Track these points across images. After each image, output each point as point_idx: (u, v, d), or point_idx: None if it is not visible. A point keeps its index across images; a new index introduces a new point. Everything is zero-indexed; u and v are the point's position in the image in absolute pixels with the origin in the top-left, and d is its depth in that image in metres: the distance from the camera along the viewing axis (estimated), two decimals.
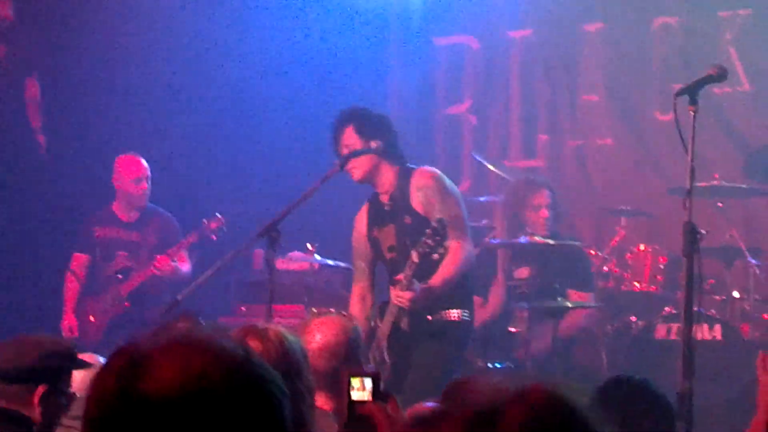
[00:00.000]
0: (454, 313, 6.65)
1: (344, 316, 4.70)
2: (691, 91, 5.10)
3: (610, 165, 9.65)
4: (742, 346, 7.58)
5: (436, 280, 6.46)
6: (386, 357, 6.69)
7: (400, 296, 6.45)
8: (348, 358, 4.54)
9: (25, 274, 9.23)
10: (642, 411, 3.67)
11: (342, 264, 8.12)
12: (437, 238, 6.30)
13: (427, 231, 6.31)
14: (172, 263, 8.64)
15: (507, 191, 8.48)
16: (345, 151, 6.67)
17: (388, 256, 6.82)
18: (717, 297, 8.02)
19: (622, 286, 8.30)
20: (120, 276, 8.78)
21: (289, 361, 3.27)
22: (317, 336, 4.51)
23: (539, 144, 10.01)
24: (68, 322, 8.77)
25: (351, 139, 6.70)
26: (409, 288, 6.38)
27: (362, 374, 3.10)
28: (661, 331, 7.83)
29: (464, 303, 6.70)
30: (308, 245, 8.33)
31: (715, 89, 8.19)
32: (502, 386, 1.62)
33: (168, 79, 9.75)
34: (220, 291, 8.93)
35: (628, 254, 8.31)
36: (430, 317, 6.58)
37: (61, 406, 3.79)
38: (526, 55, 10.06)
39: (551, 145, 9.95)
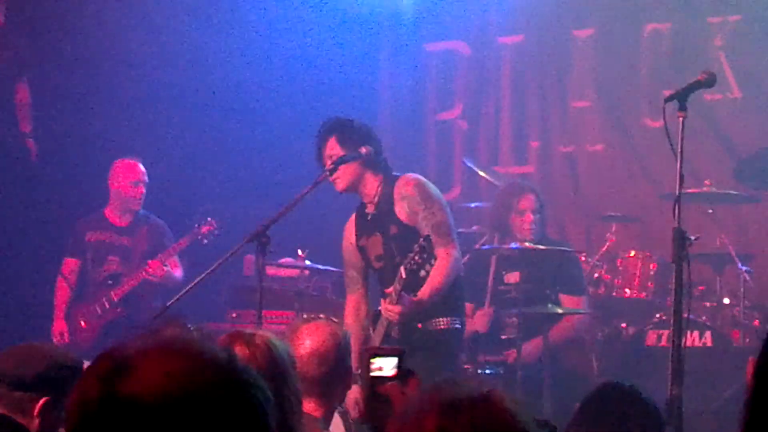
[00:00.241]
0: (443, 322, 6.63)
1: (334, 321, 4.68)
2: (681, 97, 5.11)
3: (600, 171, 9.66)
4: (732, 352, 7.59)
5: (425, 292, 6.44)
6: None
7: (389, 310, 6.44)
8: (337, 363, 4.53)
9: (15, 279, 9.21)
10: (631, 417, 3.67)
11: (333, 269, 8.11)
12: (424, 255, 6.29)
13: (415, 248, 6.28)
14: (164, 268, 8.65)
15: (495, 198, 8.48)
16: (328, 162, 6.65)
17: (377, 265, 6.81)
18: (707, 303, 8.02)
19: (613, 293, 8.29)
20: (110, 281, 8.78)
21: (275, 367, 3.27)
22: (306, 342, 4.50)
23: (530, 150, 10.01)
24: (59, 328, 8.76)
25: (334, 149, 6.68)
26: (398, 302, 6.38)
27: (384, 353, 3.08)
28: (651, 338, 7.83)
29: (454, 311, 6.69)
30: (299, 251, 8.32)
31: (706, 95, 8.21)
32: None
33: (159, 84, 9.74)
34: (211, 297, 8.91)
35: (619, 260, 8.30)
36: (420, 325, 6.57)
37: (60, 420, 3.74)
38: (517, 61, 10.07)
39: (542, 151, 9.95)
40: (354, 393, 6.47)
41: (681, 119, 5.05)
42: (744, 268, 7.95)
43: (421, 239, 6.31)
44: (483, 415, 1.66)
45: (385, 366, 3.07)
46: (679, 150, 4.97)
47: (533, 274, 7.60)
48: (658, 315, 7.91)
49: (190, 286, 6.25)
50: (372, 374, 3.07)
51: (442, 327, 6.62)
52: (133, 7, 9.82)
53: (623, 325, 8.23)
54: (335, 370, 4.51)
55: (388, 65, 10.52)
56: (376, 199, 6.78)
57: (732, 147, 9.03)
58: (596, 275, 8.35)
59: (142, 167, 8.87)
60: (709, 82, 5.24)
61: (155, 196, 9.01)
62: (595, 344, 8.18)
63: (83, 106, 9.68)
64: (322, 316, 4.71)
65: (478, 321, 7.85)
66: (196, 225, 8.70)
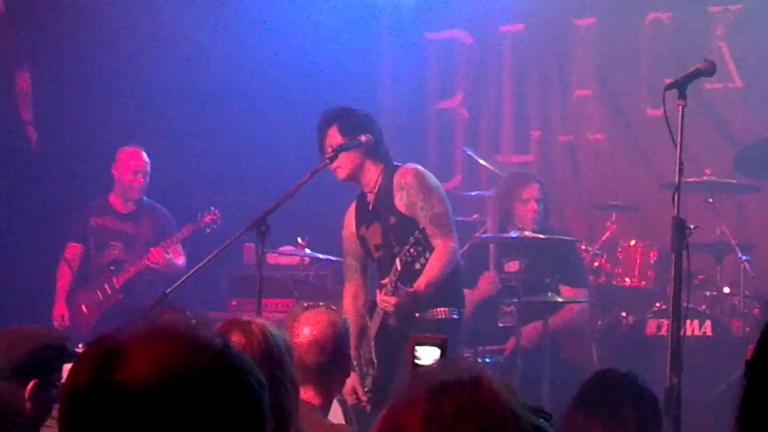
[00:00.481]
0: (442, 312, 6.63)
1: (333, 309, 4.69)
2: (680, 86, 5.10)
3: (601, 160, 9.65)
4: (732, 341, 7.60)
5: (421, 283, 6.44)
6: (374, 357, 6.69)
7: (385, 301, 6.44)
8: (336, 352, 4.54)
9: (17, 265, 9.22)
10: (627, 404, 3.67)
11: (333, 258, 8.12)
12: (419, 248, 6.29)
13: (410, 240, 6.28)
14: (167, 255, 8.67)
15: (499, 186, 8.48)
16: (330, 152, 6.65)
17: (376, 255, 6.81)
18: (707, 293, 8.02)
19: (613, 282, 8.29)
20: (113, 267, 8.81)
21: (272, 354, 3.27)
22: (305, 330, 4.51)
23: (531, 139, 10.00)
24: (60, 311, 8.81)
25: (335, 139, 6.68)
26: (394, 293, 6.38)
27: (427, 342, 3.09)
28: (651, 327, 7.83)
29: (452, 301, 6.68)
30: (299, 239, 8.32)
31: (706, 85, 8.21)
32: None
33: (159, 73, 9.72)
34: (211, 285, 8.92)
35: (619, 250, 8.30)
36: (417, 314, 6.57)
37: (53, 399, 3.75)
38: (518, 50, 10.05)
39: (543, 140, 9.94)
40: (352, 380, 6.50)
41: (681, 108, 5.05)
42: (744, 258, 7.95)
43: (417, 232, 6.31)
44: (470, 397, 1.66)
45: (427, 355, 3.07)
46: (679, 139, 4.97)
47: (534, 264, 7.60)
48: (658, 304, 7.90)
49: (189, 273, 6.27)
50: (415, 361, 3.08)
51: (440, 317, 6.62)
52: None
53: (623, 314, 8.23)
54: (334, 358, 4.52)
55: (389, 54, 10.50)
56: (376, 188, 6.77)
57: (732, 136, 9.02)
58: (596, 264, 8.35)
59: (144, 156, 8.88)
60: (709, 70, 5.23)
61: (155, 184, 9.01)
62: (594, 333, 8.18)
63: (83, 94, 9.68)
64: (321, 304, 4.72)
65: (483, 285, 7.85)
66: (199, 214, 8.72)
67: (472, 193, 9.17)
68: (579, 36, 9.81)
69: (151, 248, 8.69)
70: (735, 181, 8.17)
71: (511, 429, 1.68)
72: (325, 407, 4.54)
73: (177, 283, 6.24)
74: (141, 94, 9.76)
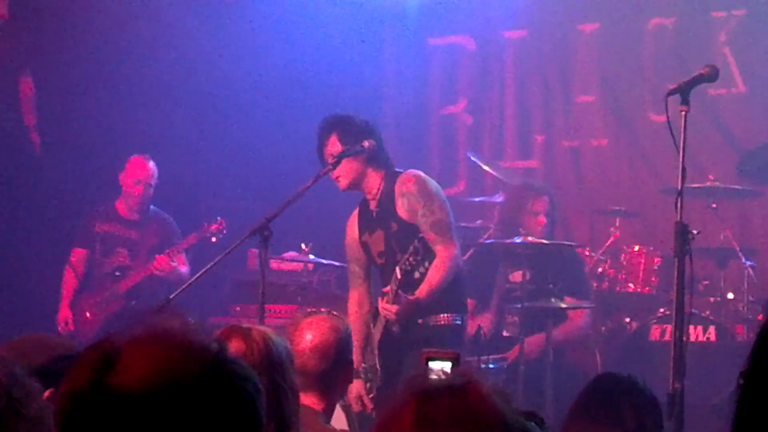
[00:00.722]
0: (444, 318, 6.63)
1: (335, 315, 4.68)
2: (683, 91, 5.10)
3: (604, 166, 9.65)
4: (735, 347, 7.58)
5: (422, 290, 6.43)
6: (377, 363, 6.68)
7: (386, 309, 6.44)
8: (339, 358, 4.53)
9: (21, 270, 9.23)
10: (627, 409, 3.67)
11: (336, 264, 8.11)
12: (419, 257, 6.29)
13: (410, 248, 6.29)
14: (172, 263, 8.68)
15: (507, 194, 8.46)
16: (330, 160, 6.64)
17: (379, 261, 6.80)
18: (711, 298, 8.02)
19: (617, 287, 8.28)
20: (118, 273, 8.82)
21: (272, 361, 3.26)
22: (308, 336, 4.50)
23: (534, 144, 10.01)
24: (64, 316, 8.81)
25: (335, 147, 6.67)
26: (395, 301, 6.37)
27: (439, 357, 3.07)
28: (655, 333, 7.83)
29: (454, 307, 6.67)
30: (303, 245, 8.32)
31: (710, 90, 8.19)
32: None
33: (163, 78, 9.73)
34: (216, 291, 8.93)
35: (623, 255, 8.30)
36: (420, 321, 6.56)
37: None
38: (522, 56, 10.06)
39: (546, 145, 9.94)
40: (356, 387, 6.50)
41: (683, 113, 5.04)
42: (748, 263, 7.94)
43: (416, 241, 6.31)
44: (461, 402, 1.67)
45: (442, 370, 3.06)
46: (682, 144, 4.96)
47: (538, 273, 7.59)
48: (661, 310, 7.90)
49: (192, 279, 6.26)
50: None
51: (442, 323, 6.61)
52: (138, 2, 9.81)
53: (627, 319, 8.23)
54: (336, 364, 4.51)
55: (392, 59, 10.51)
56: (378, 195, 6.77)
57: (736, 142, 9.02)
58: (600, 270, 8.35)
59: (150, 166, 8.87)
60: (712, 76, 5.23)
61: (159, 190, 9.02)
62: (598, 339, 8.17)
63: (87, 100, 9.68)
64: (323, 310, 4.72)
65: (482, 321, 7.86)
66: (205, 223, 8.72)
67: (476, 199, 9.17)
68: (582, 41, 9.81)
69: (156, 256, 8.70)
70: (739, 187, 8.17)
71: None
72: (328, 413, 4.54)
73: (180, 289, 6.24)
74: (145, 101, 9.76)
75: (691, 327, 7.34)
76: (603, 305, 8.29)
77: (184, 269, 8.76)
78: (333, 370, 4.50)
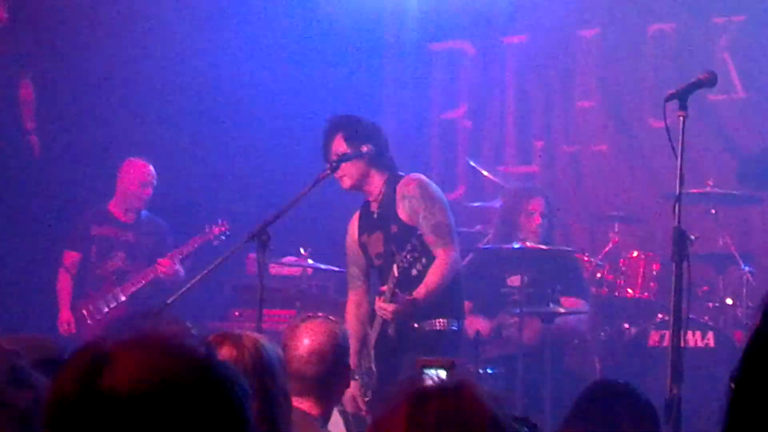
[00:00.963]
0: (440, 323, 6.62)
1: (332, 320, 4.68)
2: (681, 97, 5.10)
3: (604, 171, 9.65)
4: (734, 353, 7.56)
5: (420, 291, 6.44)
6: (373, 366, 6.68)
7: (383, 308, 6.44)
8: (336, 362, 4.53)
9: (19, 273, 9.23)
10: (623, 415, 3.66)
11: (335, 268, 8.11)
12: (416, 254, 6.29)
13: (407, 246, 6.29)
14: (175, 266, 8.68)
15: (504, 197, 8.47)
16: (334, 159, 6.65)
17: (377, 263, 6.81)
18: (710, 304, 8.01)
19: (616, 293, 8.27)
20: (116, 277, 8.81)
21: (264, 367, 3.27)
22: (305, 341, 4.50)
23: (534, 150, 10.00)
24: (65, 318, 8.79)
25: (341, 147, 6.69)
26: (392, 300, 6.37)
27: (434, 365, 3.07)
28: (654, 338, 7.82)
29: (451, 312, 6.66)
30: (301, 249, 8.32)
31: (709, 96, 8.19)
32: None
33: (162, 82, 9.74)
34: (215, 296, 8.93)
35: (622, 260, 8.29)
36: (416, 325, 6.56)
37: None
38: (522, 61, 10.06)
39: (546, 150, 9.94)
40: (352, 389, 6.49)
41: (682, 119, 5.04)
42: (747, 269, 7.93)
43: (413, 238, 6.32)
44: (452, 404, 1.68)
45: (437, 377, 3.06)
46: (680, 149, 4.96)
47: (535, 277, 7.59)
48: (660, 315, 7.89)
49: (190, 283, 6.24)
50: None
51: (438, 328, 6.60)
52: (138, 4, 9.82)
53: (626, 325, 8.22)
54: (333, 369, 4.51)
55: (392, 65, 10.51)
56: (380, 197, 6.78)
57: (735, 147, 9.01)
58: (599, 275, 8.34)
59: (152, 169, 8.93)
60: (710, 81, 5.23)
61: (157, 194, 9.02)
62: (597, 344, 8.16)
63: (86, 104, 9.68)
64: (320, 314, 4.71)
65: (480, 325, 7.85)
66: (207, 226, 8.72)
67: (476, 204, 9.17)
68: (582, 47, 9.81)
69: (160, 260, 8.70)
70: (738, 192, 8.17)
71: None
72: (325, 418, 4.54)
73: (178, 293, 6.23)
74: (144, 104, 9.77)
75: (690, 332, 7.34)
76: (602, 311, 8.28)
77: (181, 272, 8.76)
78: (330, 375, 4.50)
